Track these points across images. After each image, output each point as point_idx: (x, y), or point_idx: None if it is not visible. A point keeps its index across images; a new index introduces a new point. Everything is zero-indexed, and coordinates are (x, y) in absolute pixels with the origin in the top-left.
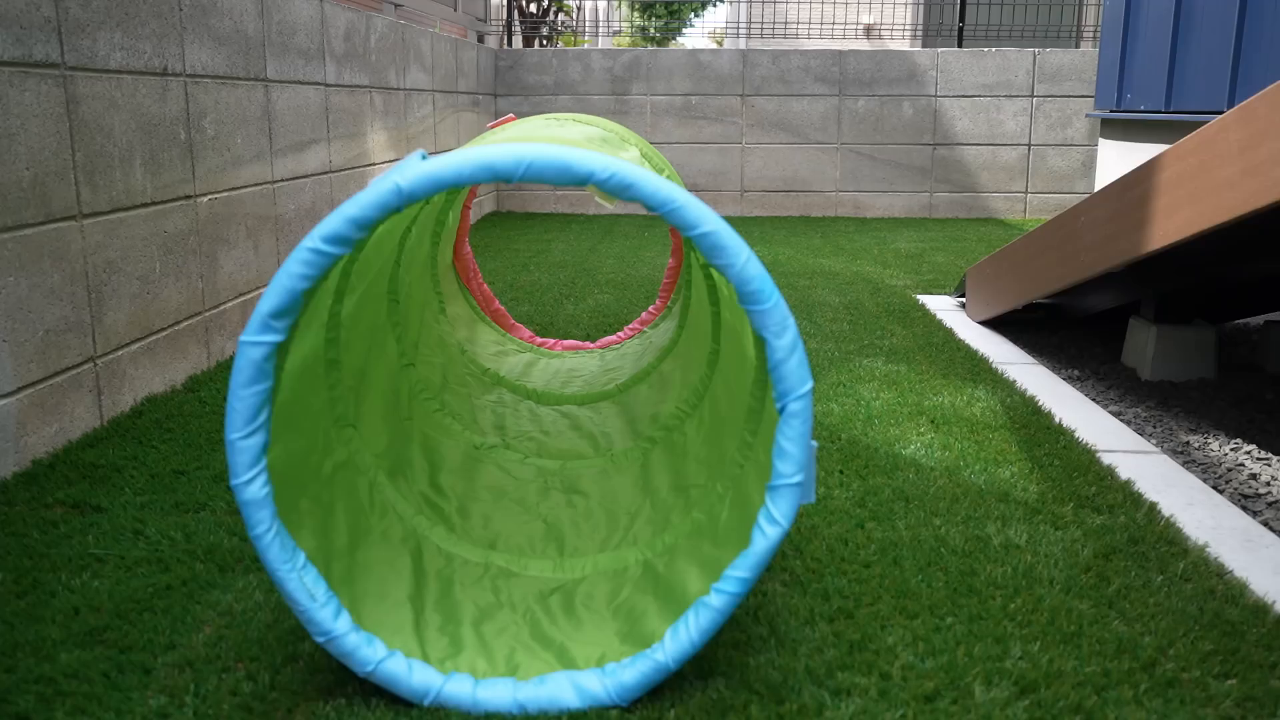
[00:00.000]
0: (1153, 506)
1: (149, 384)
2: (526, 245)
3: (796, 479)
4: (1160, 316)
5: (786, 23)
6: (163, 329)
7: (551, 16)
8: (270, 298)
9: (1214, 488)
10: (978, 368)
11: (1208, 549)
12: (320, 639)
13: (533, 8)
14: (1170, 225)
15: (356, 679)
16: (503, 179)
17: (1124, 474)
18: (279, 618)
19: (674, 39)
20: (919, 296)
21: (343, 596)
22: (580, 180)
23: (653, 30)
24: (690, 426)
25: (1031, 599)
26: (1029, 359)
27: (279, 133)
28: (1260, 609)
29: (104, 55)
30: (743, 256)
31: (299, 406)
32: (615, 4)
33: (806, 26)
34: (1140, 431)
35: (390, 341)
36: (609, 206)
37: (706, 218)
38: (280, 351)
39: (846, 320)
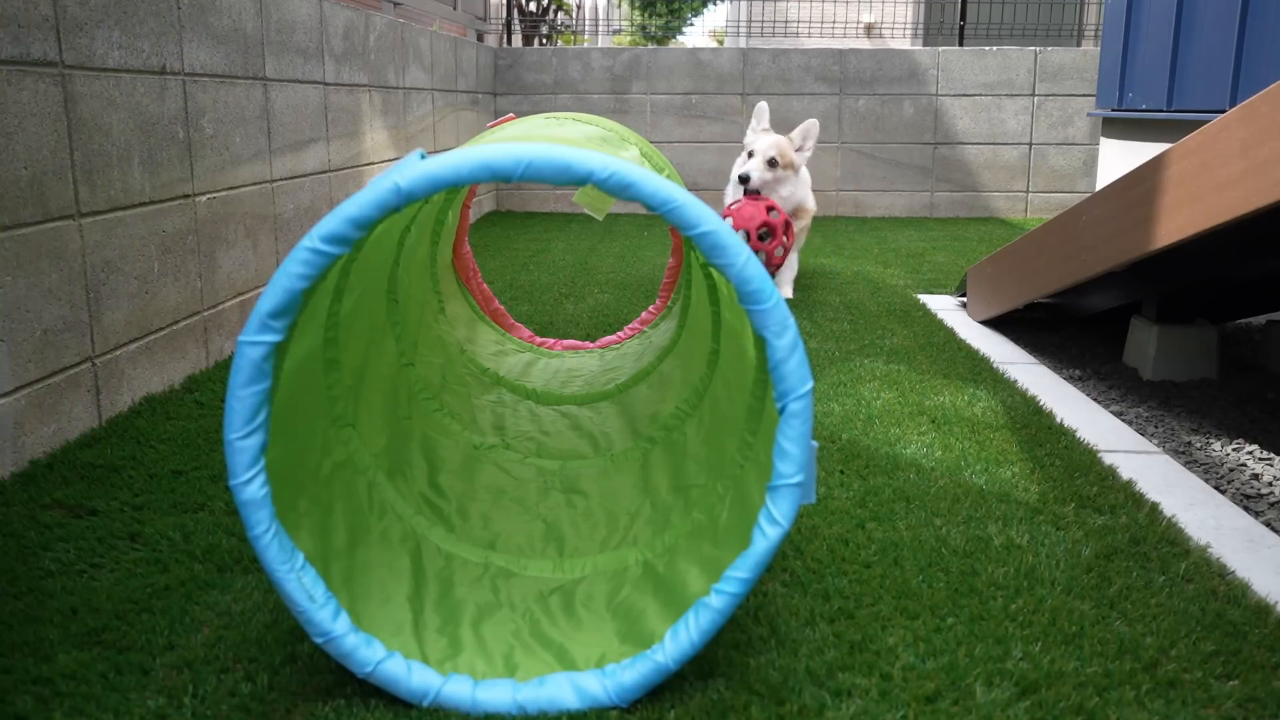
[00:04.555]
0: (1154, 507)
1: (147, 384)
2: (526, 245)
3: (797, 479)
4: (1162, 316)
5: (787, 21)
6: (161, 329)
7: (551, 15)
8: (269, 297)
9: (1216, 488)
10: (979, 367)
11: (1209, 549)
12: (319, 640)
13: (532, 6)
14: (1172, 224)
15: (355, 680)
16: (502, 178)
17: (1125, 474)
18: (278, 618)
19: (674, 38)
20: (920, 296)
21: (341, 597)
22: (580, 179)
23: (653, 29)
24: (690, 426)
25: (1033, 599)
26: (1030, 359)
27: (278, 132)
28: (1262, 610)
29: (102, 54)
30: (742, 256)
31: (298, 406)
32: (615, 2)
33: (807, 25)
34: (1142, 431)
35: (389, 341)
36: (598, 218)
37: (706, 217)
38: (279, 351)
39: (847, 320)
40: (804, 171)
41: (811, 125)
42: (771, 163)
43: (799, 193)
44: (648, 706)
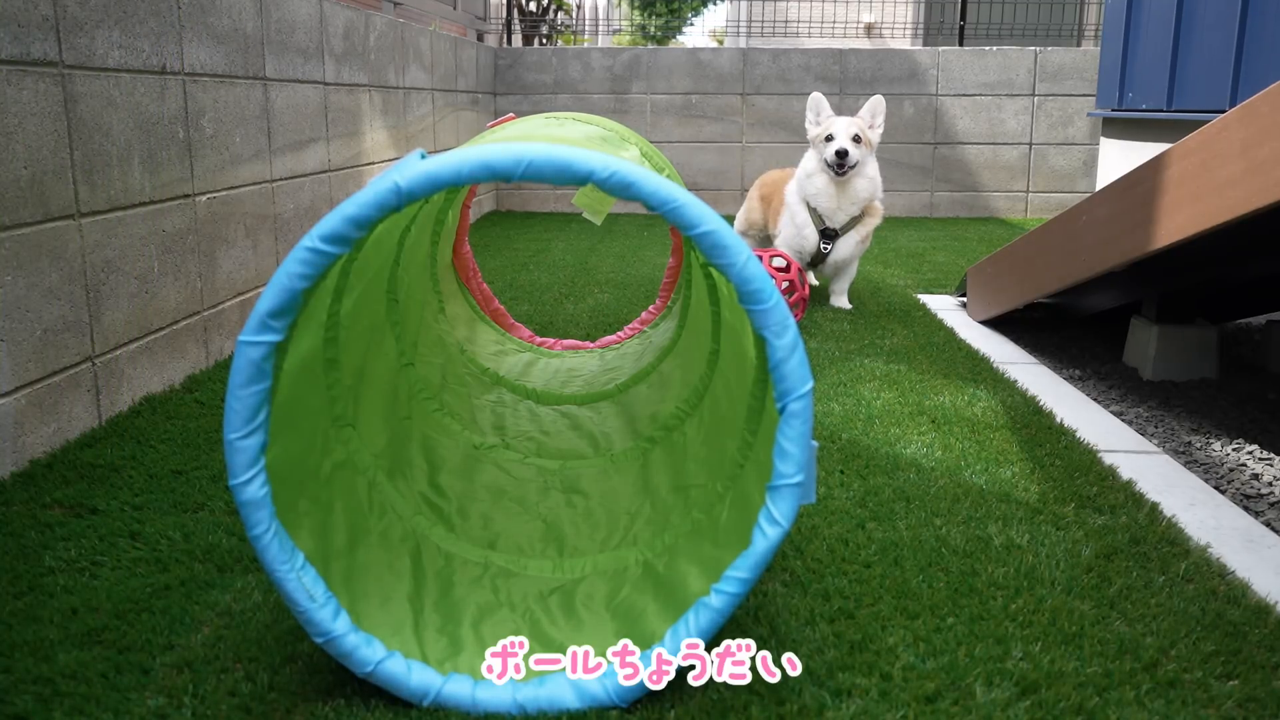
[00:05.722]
0: (1154, 507)
1: (147, 384)
2: (526, 245)
3: (797, 479)
4: (1162, 316)
5: (787, 21)
6: (161, 328)
7: (551, 15)
8: (269, 297)
9: (1216, 488)
10: (979, 367)
11: (1209, 549)
12: (319, 639)
13: (532, 6)
14: (1172, 224)
15: (355, 679)
16: (502, 178)
17: (1125, 474)
18: (278, 618)
19: (674, 37)
20: (920, 296)
21: (341, 597)
22: (580, 179)
23: (653, 29)
24: (690, 426)
25: (1033, 599)
26: (1030, 359)
27: (278, 131)
28: (1262, 609)
29: (102, 54)
30: (743, 256)
31: (297, 406)
32: (615, 2)
33: (807, 25)
34: (1142, 431)
35: (389, 341)
36: (596, 222)
37: (707, 217)
38: (279, 351)
39: (847, 320)
40: (875, 167)
41: (878, 102)
42: (856, 139)
43: (878, 177)
44: (648, 706)
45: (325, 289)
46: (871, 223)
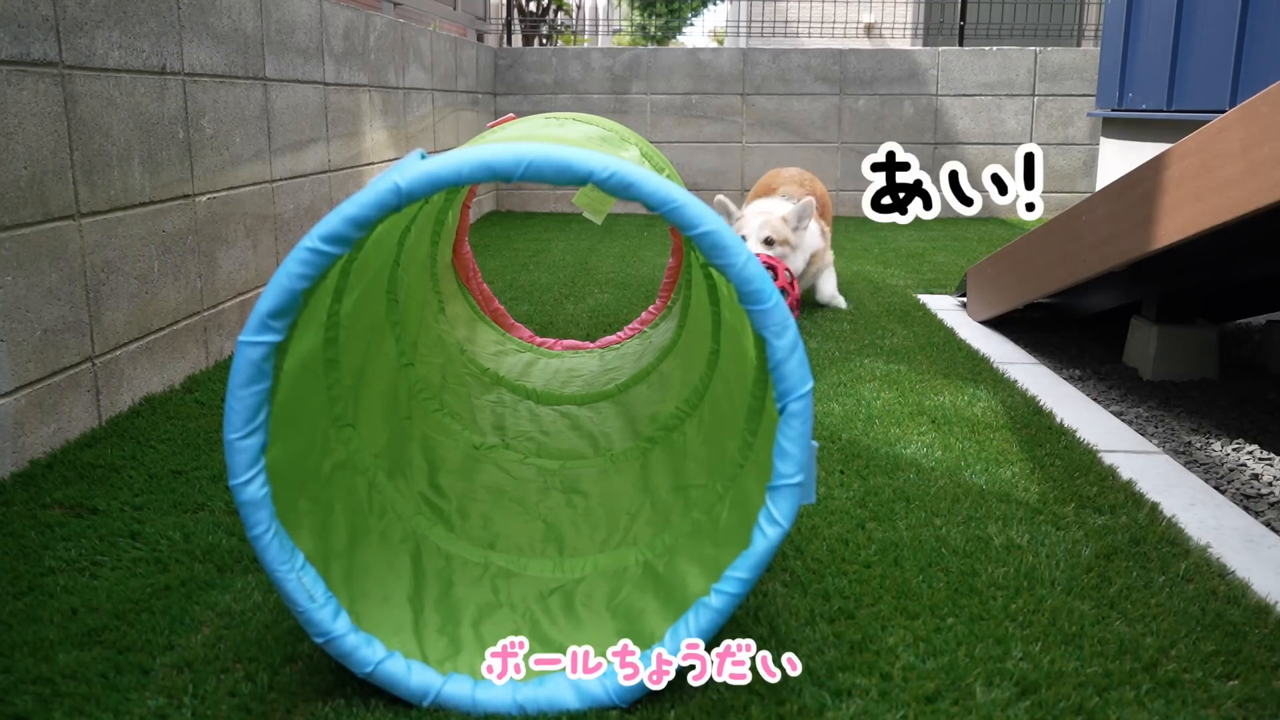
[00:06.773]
0: (1154, 507)
1: (147, 384)
2: (526, 245)
3: (797, 479)
4: (1162, 316)
5: (787, 21)
6: (161, 329)
7: (551, 15)
8: (269, 298)
9: (1216, 488)
10: (979, 367)
11: (1209, 549)
12: (319, 640)
13: (532, 6)
14: (1172, 224)
15: (355, 680)
16: (502, 178)
17: (1125, 474)
18: (278, 618)
19: (674, 38)
20: (920, 296)
21: (341, 597)
22: (580, 179)
23: (653, 29)
24: (690, 426)
25: (1033, 599)
26: (1030, 359)
27: (278, 132)
28: (1262, 609)
29: (102, 54)
30: (743, 256)
31: (298, 406)
32: (615, 2)
33: (807, 25)
34: (1142, 432)
35: (389, 341)
36: (597, 221)
37: (707, 217)
38: (279, 351)
39: (847, 320)
40: (812, 226)
41: (808, 204)
42: (768, 242)
43: (816, 240)
44: (648, 706)
45: (325, 289)
46: (817, 266)
